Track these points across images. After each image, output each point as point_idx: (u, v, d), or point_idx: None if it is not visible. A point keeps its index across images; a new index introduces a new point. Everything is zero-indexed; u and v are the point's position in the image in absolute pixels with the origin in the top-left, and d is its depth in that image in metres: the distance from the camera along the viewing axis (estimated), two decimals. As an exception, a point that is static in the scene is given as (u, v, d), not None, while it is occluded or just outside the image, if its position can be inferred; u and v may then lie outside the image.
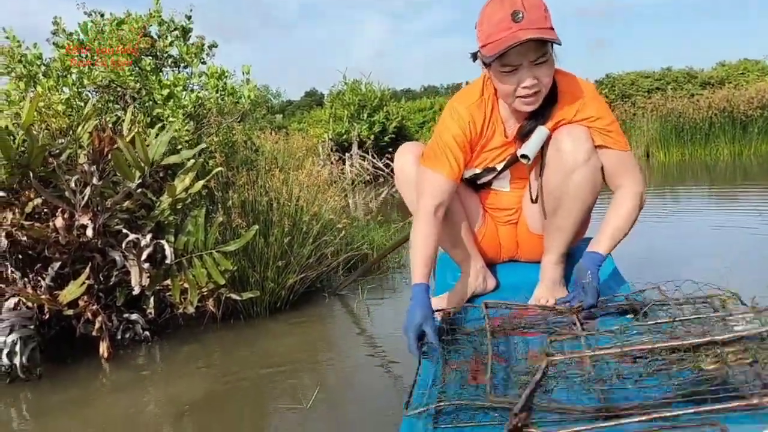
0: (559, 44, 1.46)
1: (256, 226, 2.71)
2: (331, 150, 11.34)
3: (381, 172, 11.64)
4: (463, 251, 1.86)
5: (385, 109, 12.08)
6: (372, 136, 11.76)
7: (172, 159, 2.73)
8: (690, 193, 6.80)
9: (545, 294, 1.75)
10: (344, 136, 11.70)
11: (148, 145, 2.63)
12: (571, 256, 1.80)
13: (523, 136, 1.67)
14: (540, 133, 1.64)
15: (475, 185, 1.88)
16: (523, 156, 1.64)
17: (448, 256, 2.08)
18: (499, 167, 1.76)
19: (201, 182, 2.71)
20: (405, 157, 1.84)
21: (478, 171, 1.77)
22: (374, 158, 11.60)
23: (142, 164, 2.59)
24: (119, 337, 2.64)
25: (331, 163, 10.53)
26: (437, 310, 1.57)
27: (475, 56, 1.60)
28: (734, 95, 11.46)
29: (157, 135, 2.76)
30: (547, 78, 1.52)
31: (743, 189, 6.75)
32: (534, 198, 1.78)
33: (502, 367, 1.30)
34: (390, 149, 12.17)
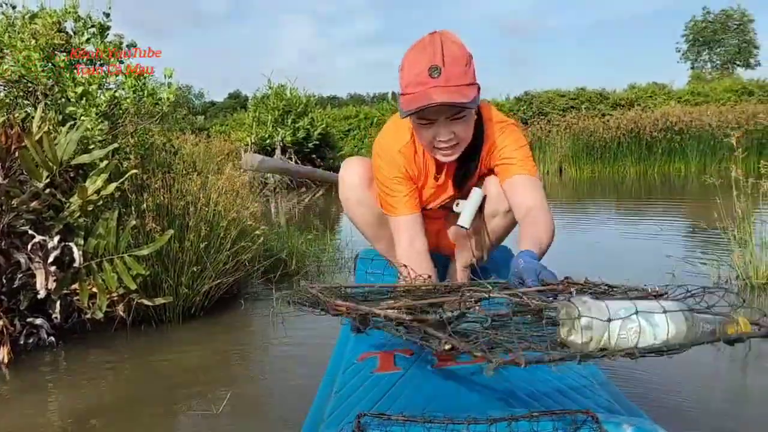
0: (471, 108, 1.46)
1: (171, 231, 2.68)
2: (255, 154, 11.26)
3: (304, 180, 11.61)
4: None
5: (310, 115, 12.09)
6: (296, 142, 11.74)
7: (83, 159, 2.66)
8: (598, 206, 7.19)
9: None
10: (267, 141, 11.62)
11: (56, 144, 2.56)
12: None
13: (458, 182, 1.72)
14: (474, 198, 1.69)
15: None
16: (461, 226, 1.69)
17: (367, 253, 2.17)
18: (433, 205, 1.81)
19: (114, 184, 2.65)
20: (352, 176, 1.81)
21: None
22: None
23: (50, 164, 2.51)
24: (22, 342, 2.53)
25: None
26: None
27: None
28: (641, 117, 12.20)
29: (68, 133, 2.67)
30: (464, 133, 1.52)
31: (646, 203, 7.21)
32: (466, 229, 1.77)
33: None
34: (314, 155, 12.19)
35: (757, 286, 3.14)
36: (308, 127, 11.88)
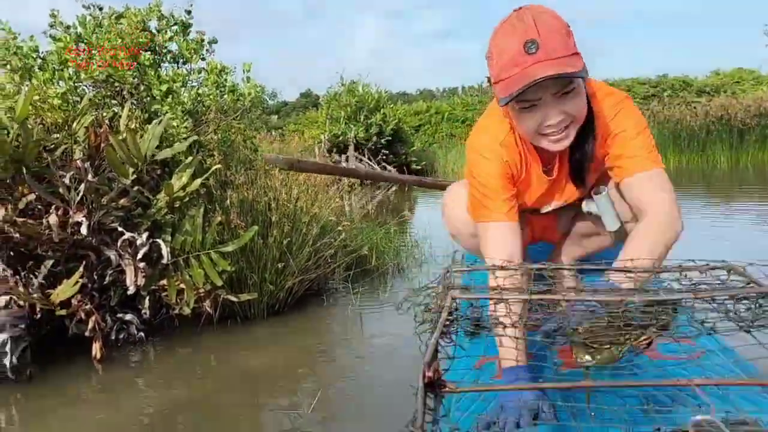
0: (583, 78, 1.26)
1: (256, 227, 2.65)
2: (328, 152, 11.35)
3: (377, 175, 11.60)
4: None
5: (382, 111, 12.05)
6: (369, 138, 11.73)
7: (165, 153, 2.67)
8: (688, 197, 6.79)
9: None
10: (340, 138, 11.66)
11: (141, 140, 2.57)
12: None
13: (575, 174, 1.49)
14: (605, 197, 1.49)
15: None
16: (610, 230, 1.54)
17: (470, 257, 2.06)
18: (547, 209, 1.63)
19: (199, 180, 2.65)
20: (461, 208, 1.64)
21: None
22: (370, 160, 11.56)
23: (135, 160, 2.52)
24: (113, 337, 2.57)
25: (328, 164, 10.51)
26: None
27: (490, 81, 1.37)
28: (731, 104, 11.49)
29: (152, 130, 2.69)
30: (576, 110, 1.30)
31: (740, 195, 6.75)
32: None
33: None
34: (386, 151, 12.14)
35: None
36: (380, 123, 11.84)
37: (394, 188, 10.91)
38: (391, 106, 13.89)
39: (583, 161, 1.44)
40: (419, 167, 13.13)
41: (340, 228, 3.17)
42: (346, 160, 11.27)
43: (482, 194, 1.46)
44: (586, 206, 1.56)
